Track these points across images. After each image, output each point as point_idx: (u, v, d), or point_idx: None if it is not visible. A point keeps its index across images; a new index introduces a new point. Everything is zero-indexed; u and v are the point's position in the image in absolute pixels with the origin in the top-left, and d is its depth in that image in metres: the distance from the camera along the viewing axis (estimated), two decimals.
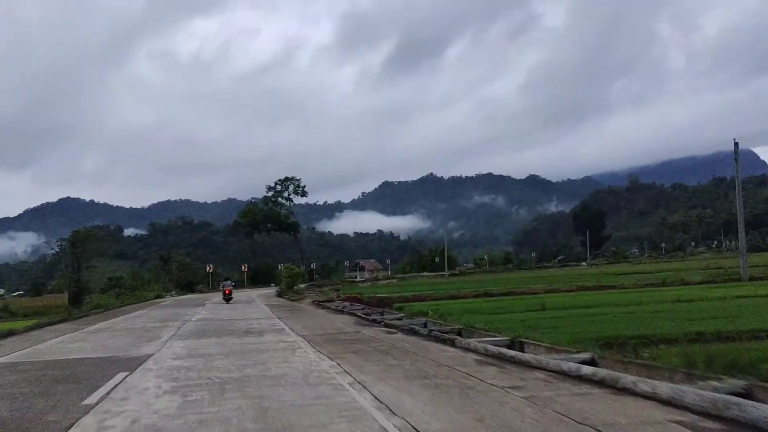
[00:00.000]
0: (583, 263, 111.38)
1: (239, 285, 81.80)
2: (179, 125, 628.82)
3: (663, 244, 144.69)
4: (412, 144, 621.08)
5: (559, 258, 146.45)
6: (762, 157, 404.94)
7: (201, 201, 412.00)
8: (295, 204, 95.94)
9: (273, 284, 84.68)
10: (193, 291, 74.69)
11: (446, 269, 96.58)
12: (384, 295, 37.83)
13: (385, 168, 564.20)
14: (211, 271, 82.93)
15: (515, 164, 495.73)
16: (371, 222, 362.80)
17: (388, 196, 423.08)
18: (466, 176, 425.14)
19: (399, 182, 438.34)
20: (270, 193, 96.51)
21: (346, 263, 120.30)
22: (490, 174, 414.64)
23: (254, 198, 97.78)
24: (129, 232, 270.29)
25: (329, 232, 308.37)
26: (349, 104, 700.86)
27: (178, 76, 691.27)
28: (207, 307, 38.74)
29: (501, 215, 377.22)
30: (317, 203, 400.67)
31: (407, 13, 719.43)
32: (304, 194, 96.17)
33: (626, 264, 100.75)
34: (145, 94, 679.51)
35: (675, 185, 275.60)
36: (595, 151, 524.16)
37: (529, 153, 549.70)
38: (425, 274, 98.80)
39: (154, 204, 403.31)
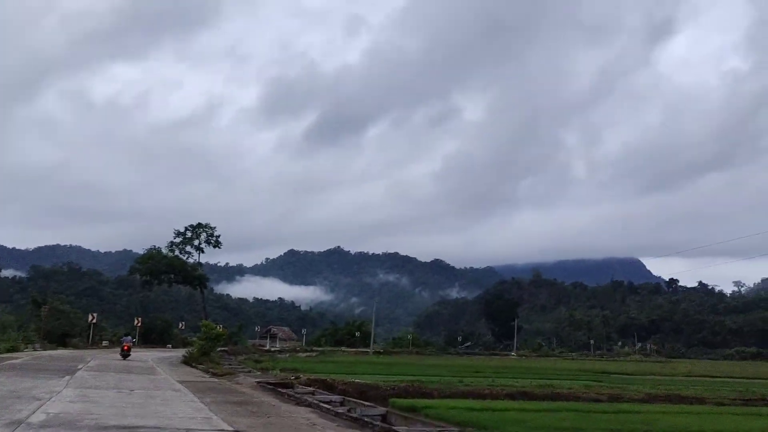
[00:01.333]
0: (512, 353, 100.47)
1: None
2: (83, 169, 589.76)
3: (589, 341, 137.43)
4: (322, 215, 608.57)
5: (466, 345, 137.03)
6: (647, 267, 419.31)
7: (93, 249, 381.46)
8: (204, 254, 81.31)
9: (170, 345, 68.96)
10: (65, 345, 57.80)
11: (371, 346, 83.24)
12: (361, 381, 24.62)
13: (293, 236, 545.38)
14: (93, 321, 64.48)
15: (421, 247, 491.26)
16: (273, 289, 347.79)
17: (293, 265, 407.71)
18: (373, 253, 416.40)
19: (305, 252, 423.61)
20: (178, 239, 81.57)
21: (256, 329, 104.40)
22: (397, 254, 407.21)
23: (155, 246, 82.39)
24: (7, 273, 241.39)
25: (228, 294, 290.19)
26: (265, 169, 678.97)
27: (91, 119, 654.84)
28: (78, 378, 23.91)
29: (404, 295, 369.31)
30: (218, 264, 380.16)
31: (334, 88, 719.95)
32: (217, 245, 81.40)
33: (557, 359, 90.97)
34: (52, 133, 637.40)
35: (575, 284, 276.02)
36: (499, 243, 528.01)
37: (436, 237, 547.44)
38: (344, 349, 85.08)
39: (40, 247, 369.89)
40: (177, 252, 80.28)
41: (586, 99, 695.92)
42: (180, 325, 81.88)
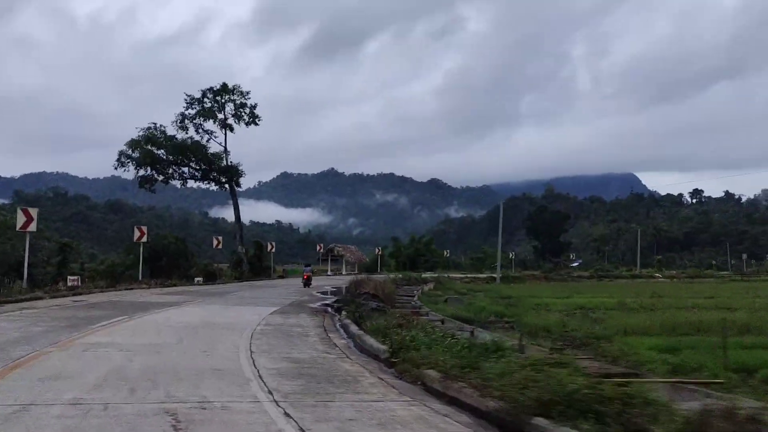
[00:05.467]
0: (657, 275, 70.34)
1: (123, 277, 35.16)
2: (67, 93, 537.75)
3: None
4: (316, 137, 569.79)
5: (574, 264, 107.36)
6: (643, 182, 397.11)
7: (81, 176, 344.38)
8: (233, 134, 48.59)
9: (199, 279, 37.86)
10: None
11: (498, 271, 52.50)
12: None
13: (286, 159, 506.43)
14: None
15: (418, 167, 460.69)
16: (268, 212, 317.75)
17: (287, 188, 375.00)
18: (368, 174, 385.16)
19: (299, 174, 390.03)
20: (192, 109, 48.34)
21: (318, 248, 71.27)
22: (393, 174, 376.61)
23: (157, 124, 49.23)
24: None
25: (223, 218, 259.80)
26: (257, 89, 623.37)
27: (73, 38, 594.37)
28: None
29: (403, 216, 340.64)
30: (210, 188, 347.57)
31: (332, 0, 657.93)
32: (253, 120, 49.67)
33: (721, 280, 61.50)
34: (33, 54, 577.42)
35: (593, 198, 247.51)
36: (496, 161, 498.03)
37: (432, 157, 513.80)
38: (451, 275, 54.38)
39: (26, 174, 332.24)
40: (192, 131, 48.12)
41: (596, 7, 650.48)
42: (216, 242, 49.56)
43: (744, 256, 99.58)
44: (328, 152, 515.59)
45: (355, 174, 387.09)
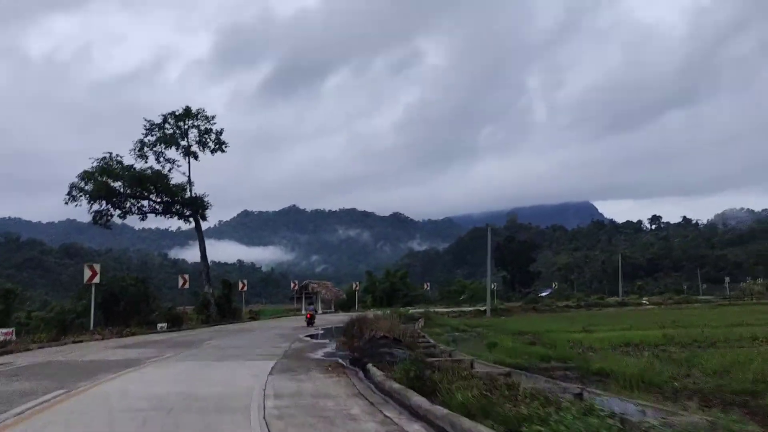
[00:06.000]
0: (644, 301, 66.78)
1: (73, 326, 29.69)
2: (20, 134, 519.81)
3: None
4: (276, 174, 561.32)
5: (546, 294, 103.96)
6: (600, 210, 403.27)
7: (35, 220, 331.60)
8: (198, 161, 43.06)
9: (162, 325, 32.46)
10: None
11: (488, 304, 48.18)
12: None
13: (246, 197, 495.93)
14: None
15: (379, 201, 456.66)
16: (229, 251, 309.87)
17: (247, 226, 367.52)
18: (330, 210, 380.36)
19: (260, 212, 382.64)
20: (152, 137, 43.19)
21: (292, 285, 64.57)
22: (354, 209, 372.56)
23: (113, 154, 43.03)
24: None
25: (183, 259, 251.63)
26: (217, 125, 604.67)
27: (27, 78, 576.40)
28: None
29: (366, 251, 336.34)
30: (169, 229, 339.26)
31: (292, 35, 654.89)
32: (219, 146, 44.46)
33: (705, 305, 58.75)
34: None
35: (554, 226, 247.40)
36: (457, 194, 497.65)
37: (394, 191, 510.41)
38: (437, 309, 49.86)
39: None
40: (153, 160, 42.82)
41: (550, 39, 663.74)
42: (182, 282, 42.99)
43: (727, 279, 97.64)
44: (289, 188, 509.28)
45: (316, 210, 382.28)
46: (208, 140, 44.02)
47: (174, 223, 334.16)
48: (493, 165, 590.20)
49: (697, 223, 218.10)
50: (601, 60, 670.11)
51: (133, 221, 44.63)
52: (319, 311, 52.36)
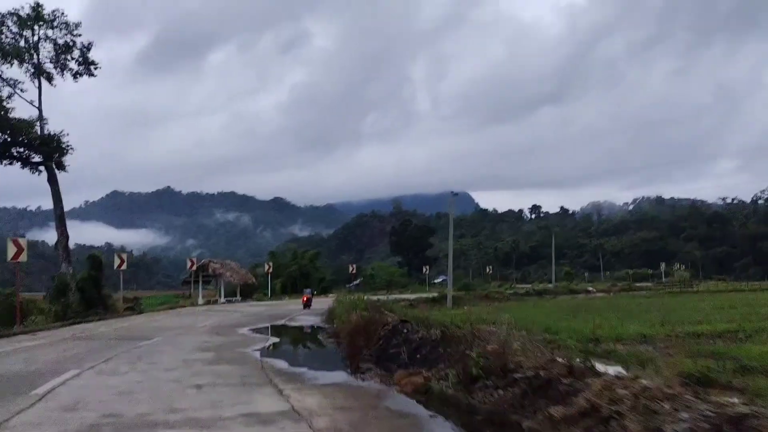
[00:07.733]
0: (590, 287, 59.26)
1: None
2: None
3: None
4: (150, 153, 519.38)
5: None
6: (476, 200, 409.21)
7: None
8: (54, 86, 29.31)
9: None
10: None
11: (450, 289, 37.86)
12: None
13: (116, 176, 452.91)
14: None
15: (260, 185, 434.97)
16: (96, 234, 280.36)
17: (117, 207, 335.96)
18: (207, 193, 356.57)
19: (131, 193, 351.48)
20: None
21: (188, 266, 48.11)
22: (234, 193, 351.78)
23: None
24: None
25: (43, 241, 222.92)
26: (86, 98, 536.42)
27: None
28: None
29: (245, 235, 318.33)
30: (27, 208, 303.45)
31: (172, 3, 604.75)
32: (87, 68, 30.49)
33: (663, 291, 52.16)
34: None
35: (439, 214, 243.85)
36: (339, 180, 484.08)
37: (275, 175, 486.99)
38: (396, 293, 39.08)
39: None
40: None
41: (436, 28, 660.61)
42: (14, 250, 27.29)
43: (681, 266, 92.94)
44: (164, 170, 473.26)
45: (193, 193, 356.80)
46: (69, 59, 30.26)
47: (31, 202, 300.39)
48: (376, 152, 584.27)
49: (573, 213, 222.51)
50: (484, 53, 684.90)
51: None
52: (222, 299, 39.79)
